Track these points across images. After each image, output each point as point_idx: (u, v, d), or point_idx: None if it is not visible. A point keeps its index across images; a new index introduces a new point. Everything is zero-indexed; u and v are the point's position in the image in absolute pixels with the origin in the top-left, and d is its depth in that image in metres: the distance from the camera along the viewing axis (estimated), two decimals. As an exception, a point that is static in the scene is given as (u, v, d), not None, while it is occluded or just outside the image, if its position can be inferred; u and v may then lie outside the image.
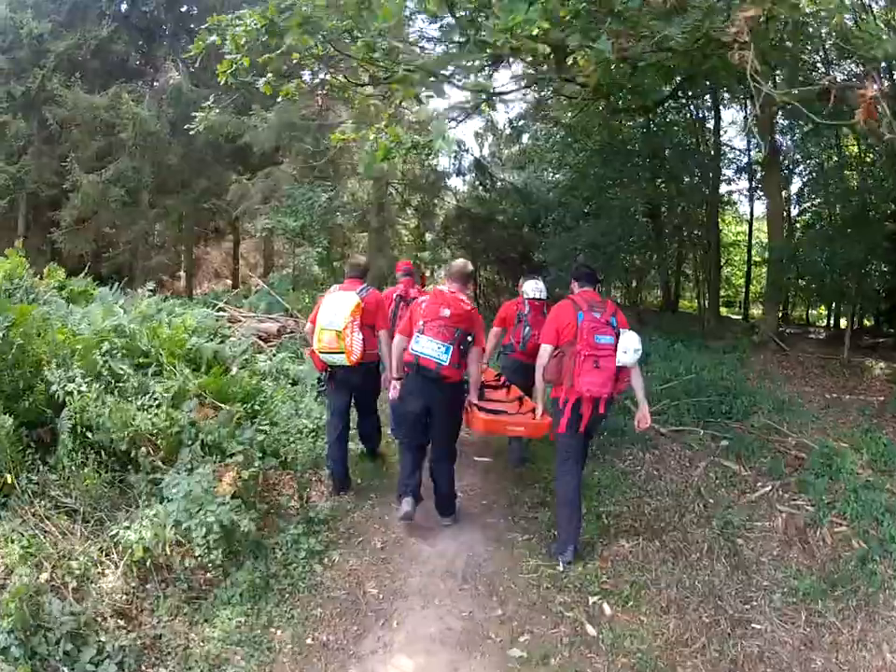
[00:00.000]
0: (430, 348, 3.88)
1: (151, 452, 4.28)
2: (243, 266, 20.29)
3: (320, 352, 4.50)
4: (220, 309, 9.37)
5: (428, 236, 18.39)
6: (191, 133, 6.01)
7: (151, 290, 8.22)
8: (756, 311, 19.92)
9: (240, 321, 9.29)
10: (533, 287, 5.45)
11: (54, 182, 13.92)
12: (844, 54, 8.99)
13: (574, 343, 3.75)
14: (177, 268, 18.46)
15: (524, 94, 15.29)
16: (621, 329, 3.87)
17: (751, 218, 17.41)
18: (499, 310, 5.79)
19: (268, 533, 4.20)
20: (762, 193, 16.33)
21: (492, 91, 5.42)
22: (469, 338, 3.97)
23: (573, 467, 4.01)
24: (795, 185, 15.21)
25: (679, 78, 7.09)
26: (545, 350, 3.96)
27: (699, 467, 5.83)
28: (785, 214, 13.94)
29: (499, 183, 17.04)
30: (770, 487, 5.34)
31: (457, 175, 17.20)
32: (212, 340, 6.63)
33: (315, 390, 5.64)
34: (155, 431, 4.25)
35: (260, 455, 4.48)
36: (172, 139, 14.10)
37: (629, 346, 3.80)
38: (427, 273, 26.56)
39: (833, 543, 4.48)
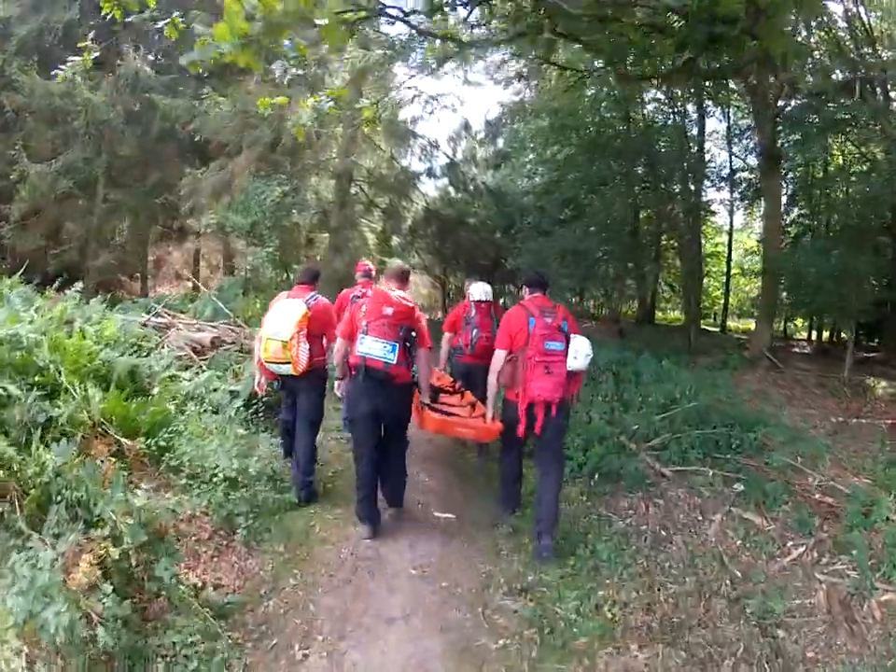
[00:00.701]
0: (376, 348, 3.84)
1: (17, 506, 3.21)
2: (203, 267, 18.91)
3: (266, 361, 4.39)
4: (158, 314, 8.11)
5: (395, 240, 17.30)
6: (58, 80, 5.18)
7: (79, 291, 7.00)
8: (733, 323, 19.48)
9: (178, 329, 8.01)
10: (479, 290, 5.54)
11: (6, 173, 12.57)
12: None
13: (525, 348, 3.87)
14: (136, 268, 16.97)
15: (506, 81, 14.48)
16: (571, 335, 3.98)
17: (731, 229, 17.35)
18: (447, 315, 5.90)
19: (152, 630, 3.00)
20: (741, 204, 16.27)
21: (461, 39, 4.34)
22: (413, 334, 3.97)
23: (517, 453, 4.37)
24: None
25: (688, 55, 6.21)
26: (499, 355, 4.04)
27: (714, 520, 4.77)
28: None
29: (472, 185, 16.01)
30: (803, 548, 4.35)
31: (428, 177, 16.18)
32: (135, 352, 5.74)
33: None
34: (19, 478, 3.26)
35: (142, 524, 3.26)
36: (126, 128, 12.93)
37: (580, 352, 3.92)
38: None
39: (884, 619, 3.64)
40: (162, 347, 7.00)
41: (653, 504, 4.98)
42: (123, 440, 4.29)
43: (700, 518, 4.84)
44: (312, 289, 4.62)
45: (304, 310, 4.32)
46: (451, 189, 16.13)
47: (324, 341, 4.64)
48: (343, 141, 12.99)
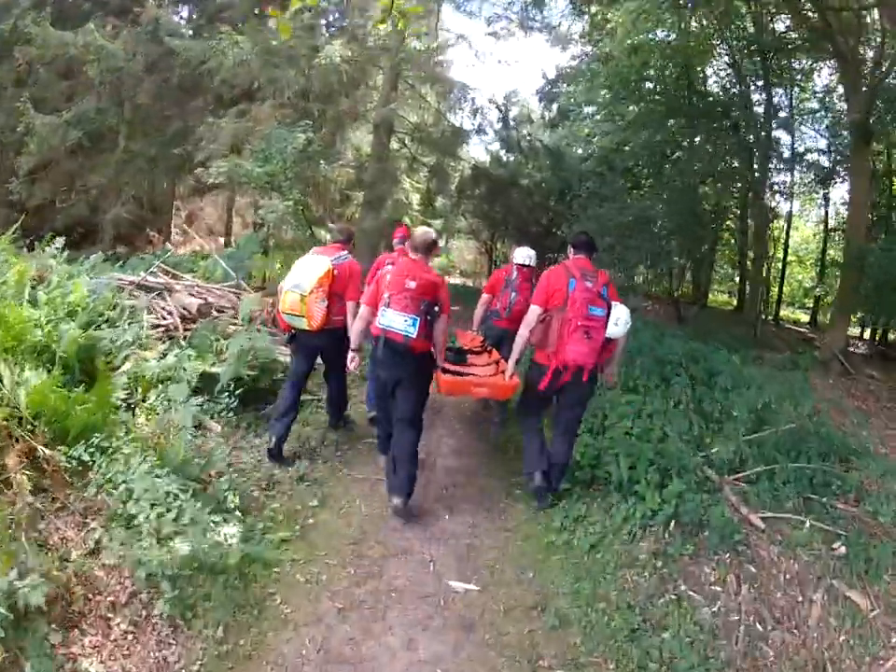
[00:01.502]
0: (397, 321, 3.76)
1: None
2: (238, 223, 17.91)
3: (283, 312, 4.37)
4: (155, 274, 7.09)
5: (440, 201, 15.92)
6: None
7: (59, 248, 6.28)
8: (784, 312, 18.03)
9: (175, 291, 6.94)
10: (523, 255, 5.41)
11: (16, 126, 11.71)
12: None
13: (562, 308, 3.80)
14: (162, 223, 16.01)
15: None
16: (612, 302, 3.90)
17: (790, 214, 16.60)
18: (489, 277, 5.78)
19: None
20: (804, 188, 15.74)
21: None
22: (436, 308, 3.86)
23: (536, 422, 4.23)
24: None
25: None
26: (533, 311, 3.96)
27: (815, 600, 3.51)
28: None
29: (526, 144, 14.44)
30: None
31: (478, 133, 14.61)
32: (104, 323, 5.02)
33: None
34: None
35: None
36: (146, 77, 11.77)
37: (621, 319, 3.90)
38: (441, 243, 24.12)
39: None
40: (147, 314, 5.99)
41: (744, 572, 3.69)
42: (43, 447, 3.24)
43: (800, 599, 3.57)
44: (343, 249, 4.55)
45: (329, 267, 4.28)
46: (502, 148, 14.56)
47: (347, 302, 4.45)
48: (383, 88, 11.58)
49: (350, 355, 4.19)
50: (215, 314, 6.32)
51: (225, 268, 7.44)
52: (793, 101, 13.91)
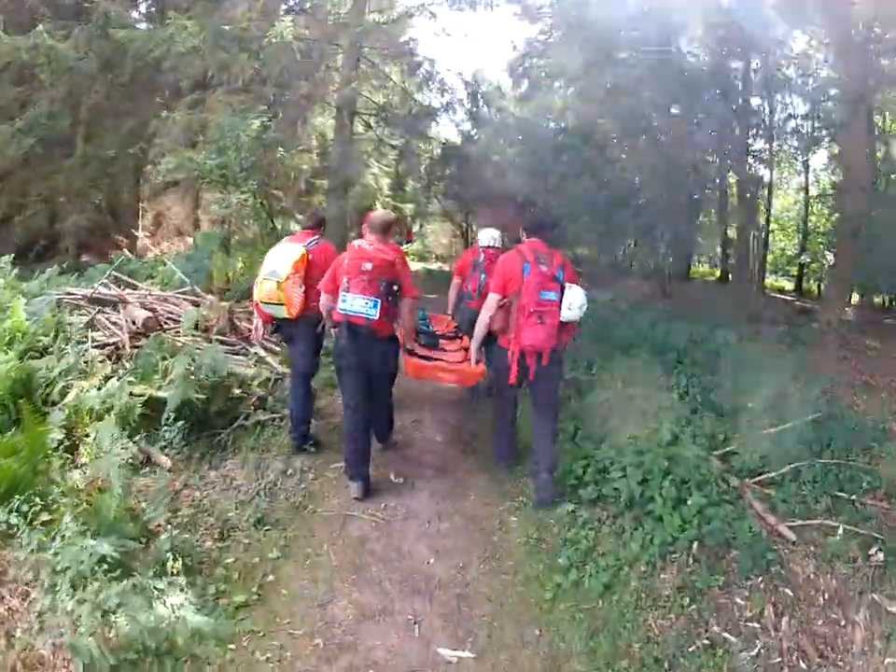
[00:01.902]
0: (358, 305, 3.71)
1: None
2: (206, 221, 17.04)
3: (261, 302, 4.23)
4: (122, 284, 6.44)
5: (411, 184, 15.24)
6: None
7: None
8: (769, 280, 17.76)
9: (127, 305, 6.24)
10: (488, 237, 5.40)
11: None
12: None
13: (520, 294, 3.76)
14: (128, 227, 15.11)
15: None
16: (567, 284, 3.85)
17: (770, 181, 15.76)
18: (458, 260, 5.83)
19: None
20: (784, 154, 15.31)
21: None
22: (395, 287, 3.83)
23: (507, 410, 4.23)
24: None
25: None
26: (492, 299, 3.94)
27: (857, 621, 3.06)
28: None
29: (496, 118, 13.74)
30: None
31: (446, 112, 13.83)
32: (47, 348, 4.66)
33: None
34: None
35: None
36: (98, 75, 11.03)
37: (574, 303, 3.81)
38: (415, 229, 23.38)
39: None
40: (94, 331, 5.39)
41: (781, 598, 3.18)
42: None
43: (843, 622, 3.10)
44: (314, 234, 4.49)
45: (302, 252, 4.21)
46: (472, 125, 13.85)
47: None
48: (344, 68, 10.82)
49: (330, 331, 4.15)
50: (170, 325, 5.68)
51: (177, 272, 6.74)
52: (769, 67, 13.19)
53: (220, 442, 4.30)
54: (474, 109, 14.10)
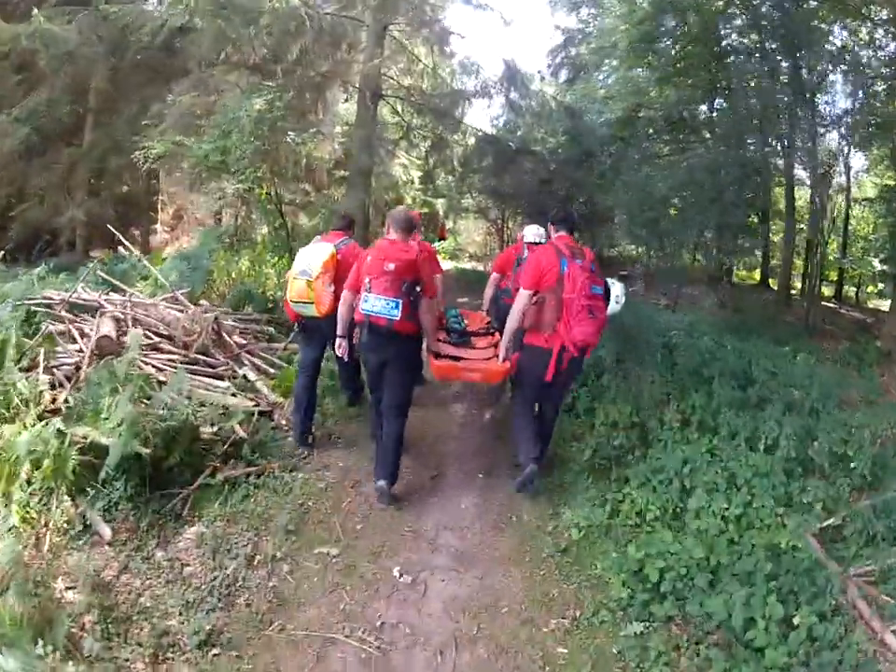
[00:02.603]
0: (380, 305, 3.65)
1: None
2: (229, 213, 16.27)
3: (291, 301, 4.25)
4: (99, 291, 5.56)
5: (442, 177, 14.16)
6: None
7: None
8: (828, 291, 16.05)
9: (105, 313, 5.29)
10: (533, 233, 5.22)
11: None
12: None
13: (555, 289, 3.64)
14: (144, 219, 14.25)
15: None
16: (609, 280, 3.88)
17: (847, 184, 14.20)
18: (498, 256, 5.88)
19: None
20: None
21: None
22: (418, 288, 3.75)
23: (531, 409, 4.04)
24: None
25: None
26: (523, 295, 3.79)
27: None
28: None
29: (536, 104, 12.51)
30: None
31: (483, 97, 12.60)
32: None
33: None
34: None
35: None
36: (100, 59, 10.27)
37: (620, 296, 4.11)
38: (449, 225, 22.24)
39: None
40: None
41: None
42: None
43: None
44: (345, 235, 4.56)
45: (332, 251, 4.25)
46: (510, 112, 12.61)
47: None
48: (368, 44, 9.76)
49: (337, 341, 4.04)
50: (149, 340, 4.73)
51: (157, 275, 5.80)
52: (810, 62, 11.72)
53: (175, 509, 3.30)
54: (513, 94, 12.88)
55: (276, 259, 8.65)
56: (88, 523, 3.10)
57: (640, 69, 13.06)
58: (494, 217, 16.23)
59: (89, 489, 3.18)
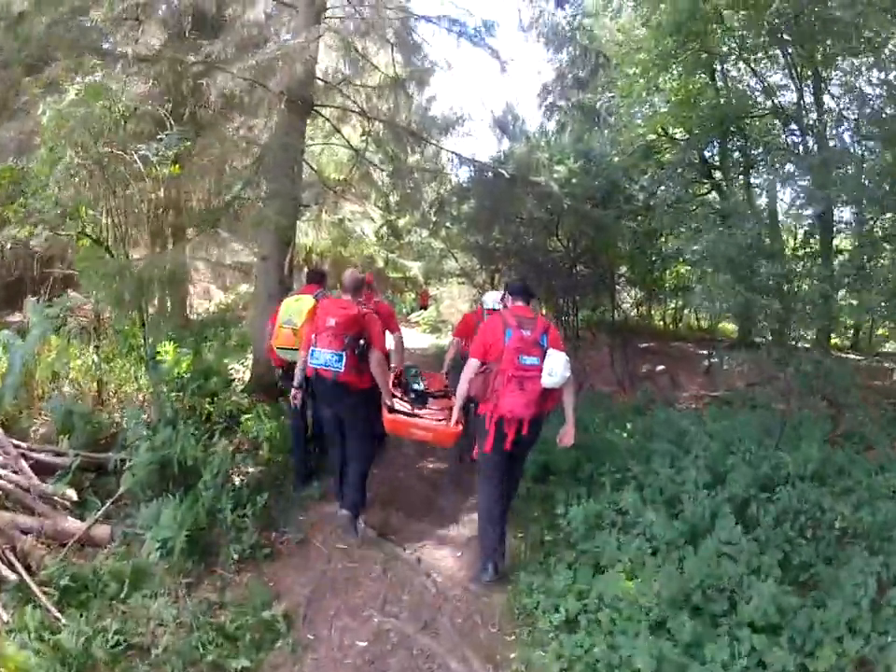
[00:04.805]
0: (323, 359, 3.94)
1: None
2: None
3: (277, 348, 4.65)
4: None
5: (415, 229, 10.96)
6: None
7: None
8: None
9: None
10: (493, 299, 5.28)
11: None
12: None
13: (500, 360, 3.69)
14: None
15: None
16: (550, 349, 3.74)
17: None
18: (459, 321, 5.95)
19: None
20: None
21: None
22: (362, 342, 3.99)
23: (496, 484, 3.93)
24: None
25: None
26: (471, 364, 3.85)
27: None
28: None
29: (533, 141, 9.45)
30: None
31: (460, 125, 9.50)
32: None
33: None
34: None
35: None
36: None
37: (555, 369, 3.70)
38: (432, 291, 18.92)
39: None
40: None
41: None
42: None
43: None
44: (318, 288, 4.86)
45: (314, 302, 4.52)
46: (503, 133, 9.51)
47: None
48: (297, 28, 6.73)
49: (293, 392, 4.34)
50: None
51: None
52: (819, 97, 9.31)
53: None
54: (507, 126, 9.80)
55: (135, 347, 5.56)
56: None
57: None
58: (481, 281, 12.64)
59: None
